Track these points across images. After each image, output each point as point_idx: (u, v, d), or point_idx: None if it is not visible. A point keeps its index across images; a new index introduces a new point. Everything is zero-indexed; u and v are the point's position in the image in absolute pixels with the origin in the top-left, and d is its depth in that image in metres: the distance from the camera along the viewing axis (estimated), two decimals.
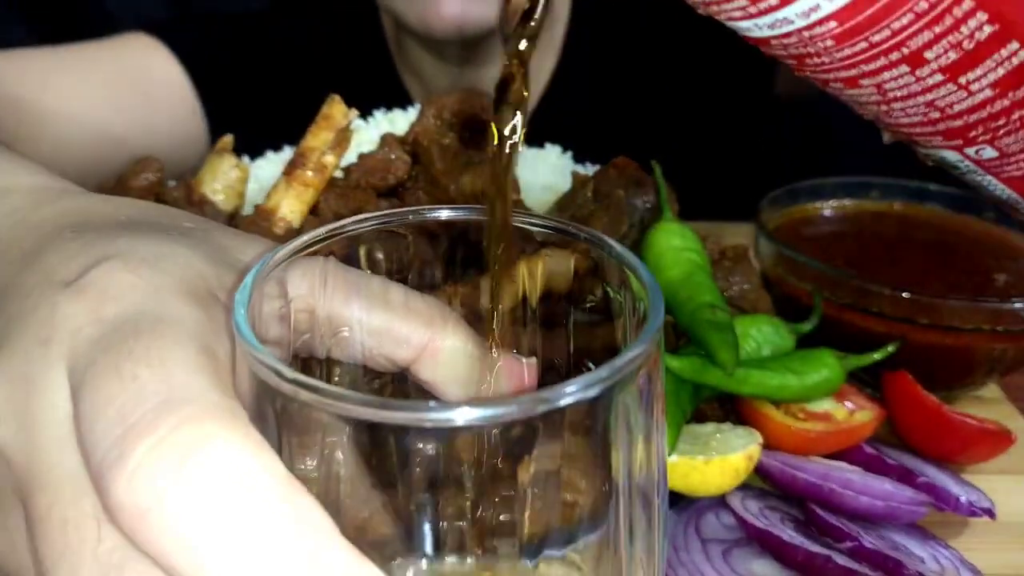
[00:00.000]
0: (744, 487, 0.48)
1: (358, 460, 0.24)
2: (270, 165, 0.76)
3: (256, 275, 0.25)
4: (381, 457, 0.24)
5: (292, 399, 0.21)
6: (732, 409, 0.53)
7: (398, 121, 0.78)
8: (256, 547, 0.19)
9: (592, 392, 0.21)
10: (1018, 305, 0.53)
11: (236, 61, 0.91)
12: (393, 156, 0.58)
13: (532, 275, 0.30)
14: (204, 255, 0.27)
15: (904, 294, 0.54)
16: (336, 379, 0.30)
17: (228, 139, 0.58)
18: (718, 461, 0.46)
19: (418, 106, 0.77)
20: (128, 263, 0.25)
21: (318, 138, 0.54)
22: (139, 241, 0.27)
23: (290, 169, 0.54)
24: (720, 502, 0.48)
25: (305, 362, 0.29)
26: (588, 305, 0.30)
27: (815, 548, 0.44)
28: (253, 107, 0.90)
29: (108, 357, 0.22)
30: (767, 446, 0.49)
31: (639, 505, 0.25)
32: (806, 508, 0.48)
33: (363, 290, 0.29)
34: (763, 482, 0.50)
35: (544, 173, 0.74)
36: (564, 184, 0.66)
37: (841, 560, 0.43)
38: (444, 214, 0.29)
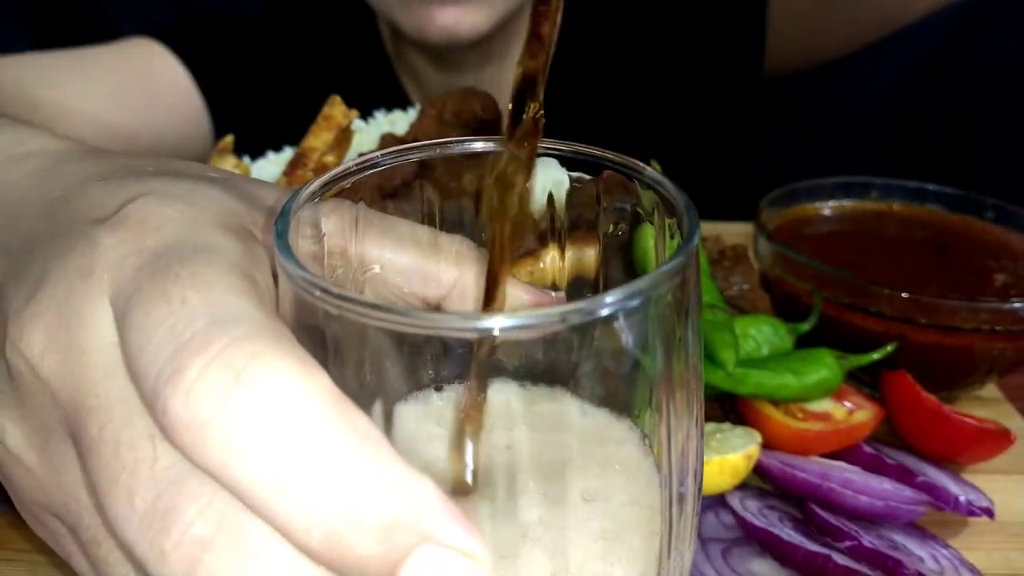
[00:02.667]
0: (743, 486, 0.49)
1: (405, 374, 0.24)
2: (271, 165, 0.76)
3: (293, 204, 0.25)
4: (426, 369, 0.24)
5: (337, 317, 0.21)
6: (732, 409, 0.53)
7: (398, 122, 0.78)
8: (311, 460, 0.20)
9: (633, 303, 0.21)
10: (1017, 305, 0.53)
11: (238, 63, 0.92)
12: None
13: (561, 265, 0.31)
14: (234, 194, 0.28)
15: (903, 294, 0.54)
16: None
17: (229, 139, 0.58)
18: (718, 460, 0.47)
19: (418, 106, 0.77)
20: (163, 199, 0.26)
21: (319, 138, 0.54)
22: (170, 182, 0.27)
23: (291, 169, 0.54)
24: (720, 501, 0.48)
25: None
26: (619, 232, 0.30)
27: (814, 547, 0.44)
28: (255, 108, 0.90)
29: (154, 283, 0.23)
30: (766, 446, 0.49)
31: (677, 413, 0.25)
32: (805, 507, 0.48)
33: (392, 232, 0.29)
34: (763, 481, 0.50)
35: (544, 173, 0.74)
36: (564, 183, 0.66)
37: (840, 559, 0.44)
38: (477, 146, 0.30)
